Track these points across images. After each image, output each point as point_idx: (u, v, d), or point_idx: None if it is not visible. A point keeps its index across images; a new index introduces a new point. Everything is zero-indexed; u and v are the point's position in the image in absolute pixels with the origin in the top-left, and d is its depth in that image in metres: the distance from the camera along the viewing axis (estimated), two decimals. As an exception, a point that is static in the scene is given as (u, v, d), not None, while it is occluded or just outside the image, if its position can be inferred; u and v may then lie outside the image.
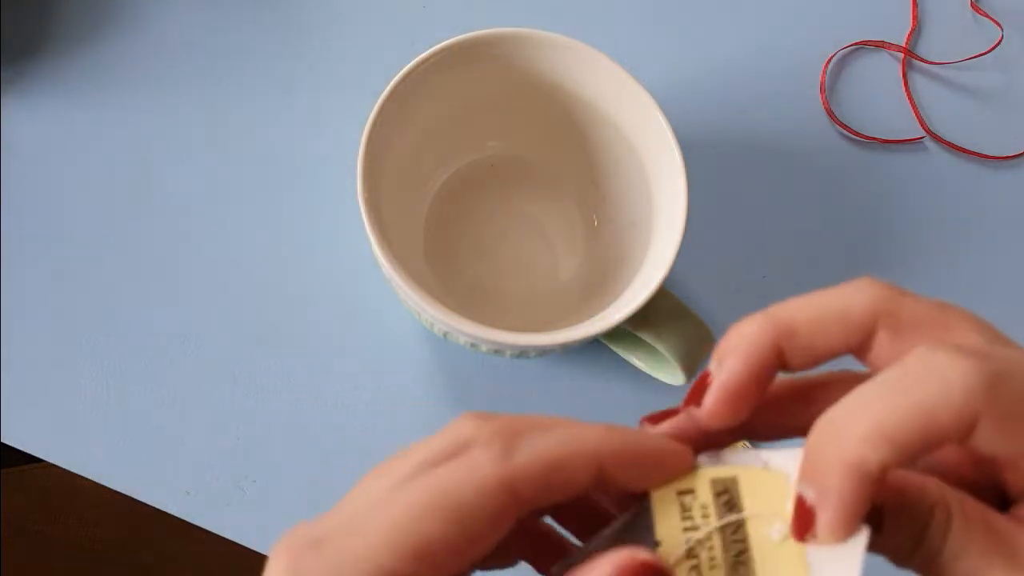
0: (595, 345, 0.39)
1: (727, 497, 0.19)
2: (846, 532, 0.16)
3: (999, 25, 0.46)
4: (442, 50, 0.34)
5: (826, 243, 0.43)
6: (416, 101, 0.35)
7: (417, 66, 0.34)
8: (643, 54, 0.45)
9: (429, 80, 0.34)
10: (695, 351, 0.34)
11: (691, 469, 0.19)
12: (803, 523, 0.17)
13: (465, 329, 0.31)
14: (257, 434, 0.37)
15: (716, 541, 0.18)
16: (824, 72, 0.45)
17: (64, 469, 0.36)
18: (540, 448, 0.17)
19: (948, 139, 0.45)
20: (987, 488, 0.18)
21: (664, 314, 0.34)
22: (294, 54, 0.43)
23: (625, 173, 0.38)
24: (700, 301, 0.41)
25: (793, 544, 0.17)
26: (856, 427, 0.16)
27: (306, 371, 0.38)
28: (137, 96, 0.42)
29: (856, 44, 0.46)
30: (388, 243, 0.32)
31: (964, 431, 0.16)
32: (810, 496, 0.17)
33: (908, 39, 0.46)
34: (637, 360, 0.38)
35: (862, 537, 0.17)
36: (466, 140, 0.40)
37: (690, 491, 0.19)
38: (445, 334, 0.33)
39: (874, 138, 0.44)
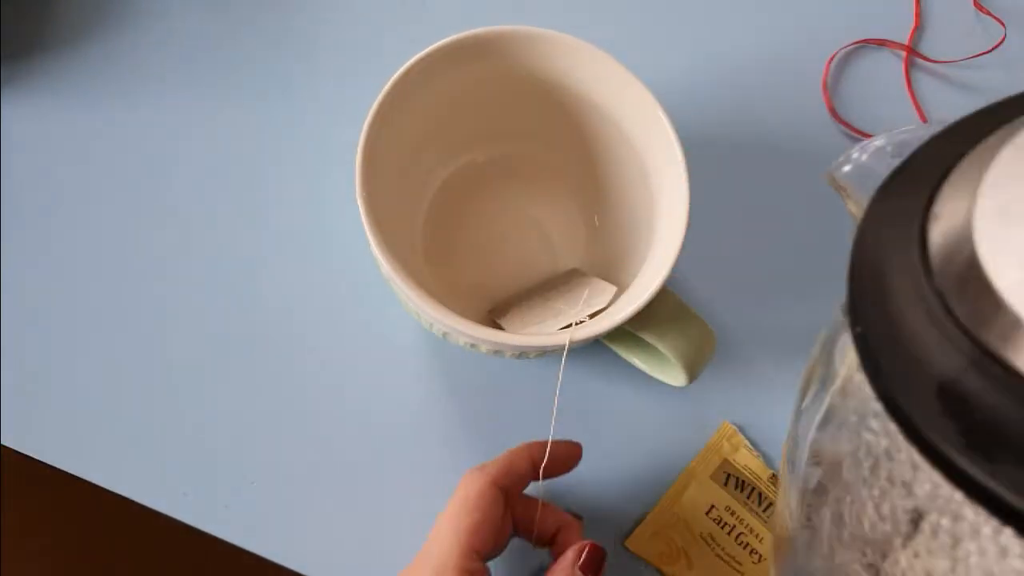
0: (596, 346, 0.38)
1: None
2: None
3: (1002, 23, 0.46)
4: (441, 48, 0.34)
5: (828, 243, 0.42)
6: (415, 99, 0.34)
7: (416, 64, 0.33)
8: (645, 52, 0.44)
9: (428, 78, 0.34)
10: (697, 352, 0.34)
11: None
12: None
13: (465, 329, 0.31)
14: (256, 435, 0.37)
15: None
16: (827, 70, 0.45)
17: (63, 471, 0.36)
18: (500, 459, 0.32)
19: (951, 138, 0.45)
20: None
21: (666, 315, 0.33)
22: (293, 52, 0.43)
23: (626, 172, 0.38)
24: (702, 301, 0.40)
25: None
26: None
27: (305, 372, 0.38)
28: (136, 95, 0.42)
29: (859, 42, 0.46)
30: (388, 243, 0.31)
31: None
32: None
33: (911, 37, 0.46)
34: (638, 361, 0.38)
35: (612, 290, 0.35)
36: (466, 139, 0.40)
37: None
38: (445, 334, 0.33)
39: (877, 137, 0.44)
